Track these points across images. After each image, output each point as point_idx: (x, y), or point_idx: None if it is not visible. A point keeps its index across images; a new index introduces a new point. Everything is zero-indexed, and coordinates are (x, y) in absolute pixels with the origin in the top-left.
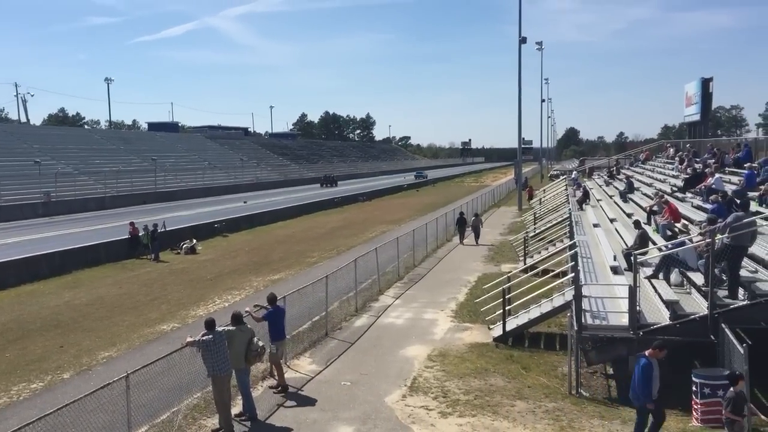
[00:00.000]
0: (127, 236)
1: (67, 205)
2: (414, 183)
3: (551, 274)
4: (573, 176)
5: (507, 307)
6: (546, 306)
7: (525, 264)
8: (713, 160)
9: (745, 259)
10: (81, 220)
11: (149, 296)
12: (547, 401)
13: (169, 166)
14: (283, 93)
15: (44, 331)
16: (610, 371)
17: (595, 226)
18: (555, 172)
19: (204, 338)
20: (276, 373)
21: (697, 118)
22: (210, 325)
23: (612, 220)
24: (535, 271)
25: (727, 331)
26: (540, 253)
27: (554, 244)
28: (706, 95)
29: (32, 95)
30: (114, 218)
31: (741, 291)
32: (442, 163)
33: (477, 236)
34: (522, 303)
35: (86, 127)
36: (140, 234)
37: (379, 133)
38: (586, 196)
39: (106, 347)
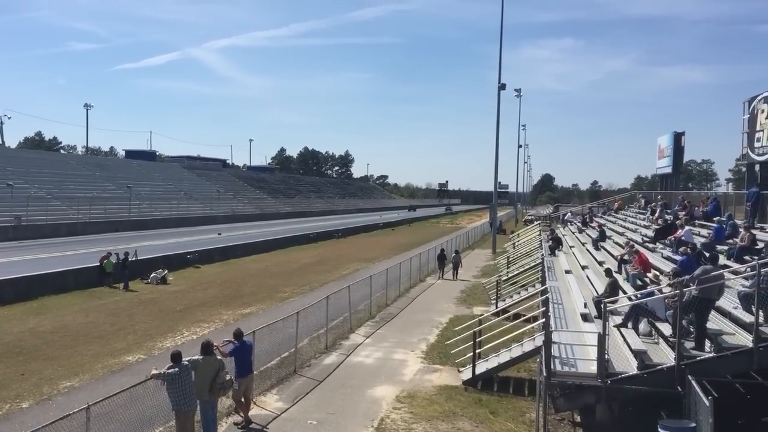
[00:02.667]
0: (97, 264)
1: (37, 229)
2: (389, 222)
3: (522, 318)
4: (567, 217)
5: (477, 350)
6: (516, 350)
7: (497, 307)
8: (683, 213)
9: (713, 312)
10: (51, 246)
11: (116, 326)
12: None
13: (144, 194)
14: (262, 127)
15: (5, 358)
16: (578, 419)
17: (567, 272)
18: (530, 217)
19: (169, 371)
20: (241, 410)
21: (669, 170)
22: (176, 357)
23: (584, 267)
24: (507, 314)
25: (694, 382)
26: (512, 297)
27: (526, 289)
28: (678, 149)
29: (9, 118)
30: (85, 245)
31: (708, 343)
32: (419, 204)
33: (456, 272)
34: (492, 346)
35: (62, 152)
36: (104, 262)
37: (357, 171)
38: (558, 242)
39: (68, 377)
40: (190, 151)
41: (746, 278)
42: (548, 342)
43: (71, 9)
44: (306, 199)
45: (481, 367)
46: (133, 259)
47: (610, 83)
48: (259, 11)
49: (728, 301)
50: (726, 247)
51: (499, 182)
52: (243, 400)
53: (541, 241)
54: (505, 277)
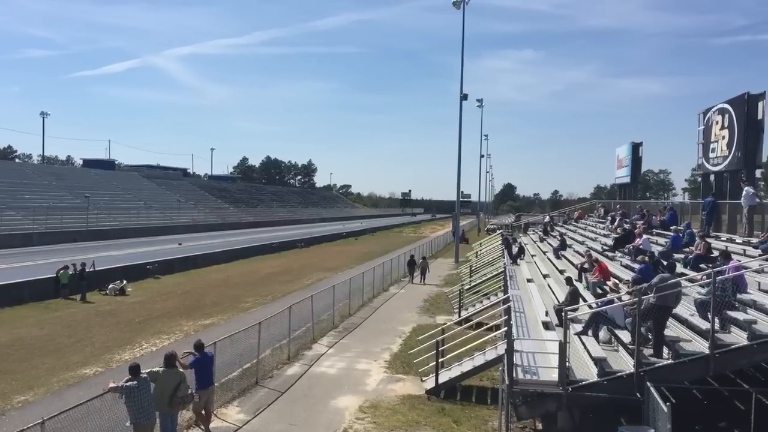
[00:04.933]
0: (53, 275)
1: None
2: (352, 231)
3: (485, 327)
4: (546, 220)
5: (440, 360)
6: (479, 359)
7: (459, 316)
8: (642, 222)
9: (670, 319)
10: (5, 257)
11: (72, 338)
12: None
13: (102, 204)
14: (224, 136)
15: None
16: (540, 426)
17: (529, 281)
18: (492, 226)
19: (128, 384)
20: (201, 422)
21: (627, 180)
22: (135, 370)
23: (545, 276)
24: (470, 323)
25: (652, 389)
26: (475, 305)
27: (489, 298)
28: (636, 159)
29: None
30: (41, 256)
31: (666, 350)
32: (382, 213)
33: (424, 276)
34: (455, 355)
35: (18, 161)
36: (60, 272)
37: (320, 180)
38: (521, 251)
39: (22, 391)
40: (150, 160)
41: (702, 286)
42: (510, 350)
43: (26, 15)
44: (268, 208)
45: (444, 376)
46: (91, 269)
47: (570, 94)
48: (220, 19)
49: (685, 309)
50: (682, 256)
51: (462, 192)
52: (204, 412)
53: (503, 249)
54: (468, 286)
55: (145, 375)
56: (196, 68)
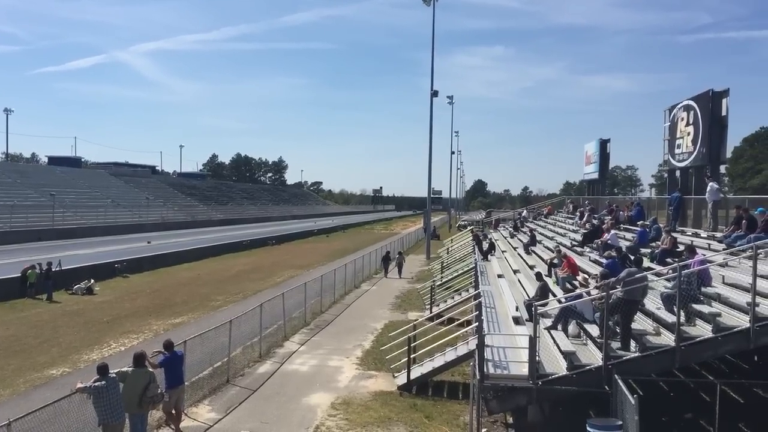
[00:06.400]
0: (18, 275)
1: None
2: (324, 228)
3: (456, 323)
4: (524, 213)
5: (412, 355)
6: (450, 355)
7: (431, 312)
8: (610, 217)
9: (637, 313)
10: None
11: (39, 339)
12: None
13: (68, 202)
14: (193, 133)
15: None
16: (510, 420)
17: (500, 276)
18: (463, 223)
19: (96, 384)
20: (171, 422)
21: (595, 176)
22: (103, 370)
23: (515, 272)
24: (441, 319)
25: (620, 381)
26: (446, 301)
27: (460, 294)
28: (603, 155)
29: None
30: (5, 255)
31: (633, 343)
32: (353, 210)
33: (400, 271)
34: (427, 351)
35: None
36: (28, 272)
37: (291, 178)
38: (491, 247)
39: None
40: (118, 158)
41: (668, 280)
42: (481, 345)
43: None
44: (239, 206)
45: (416, 372)
46: (57, 269)
47: (539, 91)
48: (188, 14)
49: (652, 303)
50: (649, 250)
51: (433, 188)
52: (174, 412)
53: (474, 245)
54: (439, 282)
55: (114, 375)
56: (164, 64)
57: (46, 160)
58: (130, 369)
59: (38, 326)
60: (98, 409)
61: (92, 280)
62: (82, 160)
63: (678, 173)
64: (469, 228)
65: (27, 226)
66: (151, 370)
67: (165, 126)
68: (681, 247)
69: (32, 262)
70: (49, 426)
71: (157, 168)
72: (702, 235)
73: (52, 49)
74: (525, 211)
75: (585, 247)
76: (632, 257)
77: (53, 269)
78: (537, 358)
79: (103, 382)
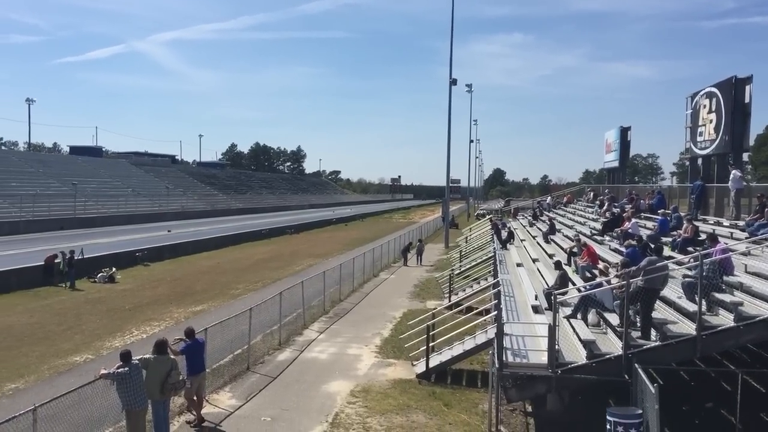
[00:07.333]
0: (41, 263)
1: None
2: (342, 217)
3: (475, 311)
4: (548, 201)
5: (431, 344)
6: (469, 343)
7: (450, 301)
8: (630, 206)
9: (658, 302)
10: None
11: (62, 326)
12: None
13: (90, 191)
14: (212, 122)
15: None
16: (529, 409)
17: (519, 265)
18: (482, 211)
19: (119, 371)
20: (193, 408)
21: (616, 164)
22: (126, 357)
23: (534, 260)
24: (460, 308)
25: (640, 370)
26: (465, 290)
27: (479, 282)
28: (624, 143)
29: None
30: (28, 244)
31: (653, 332)
32: (371, 199)
33: (420, 258)
34: (446, 340)
35: (3, 148)
36: (57, 261)
37: (309, 167)
38: (510, 236)
39: (13, 379)
40: (138, 147)
41: (689, 269)
42: (500, 334)
43: (9, 0)
44: (258, 195)
45: (435, 360)
46: (80, 257)
47: (559, 78)
48: (205, 3)
49: (672, 291)
50: (670, 239)
51: (452, 177)
52: (195, 398)
53: (492, 234)
54: (458, 271)
55: (137, 362)
56: (183, 54)
57: (68, 149)
58: (153, 356)
59: (61, 314)
60: (122, 395)
61: (114, 269)
62: (103, 149)
63: (700, 161)
64: (487, 217)
65: (49, 215)
66: (172, 357)
67: (184, 115)
68: (703, 236)
69: (55, 251)
70: (73, 411)
71: (176, 157)
72: (724, 224)
73: (71, 39)
74: (549, 198)
75: (605, 236)
76: (653, 246)
77: (76, 258)
78: (556, 346)
79: (126, 369)
